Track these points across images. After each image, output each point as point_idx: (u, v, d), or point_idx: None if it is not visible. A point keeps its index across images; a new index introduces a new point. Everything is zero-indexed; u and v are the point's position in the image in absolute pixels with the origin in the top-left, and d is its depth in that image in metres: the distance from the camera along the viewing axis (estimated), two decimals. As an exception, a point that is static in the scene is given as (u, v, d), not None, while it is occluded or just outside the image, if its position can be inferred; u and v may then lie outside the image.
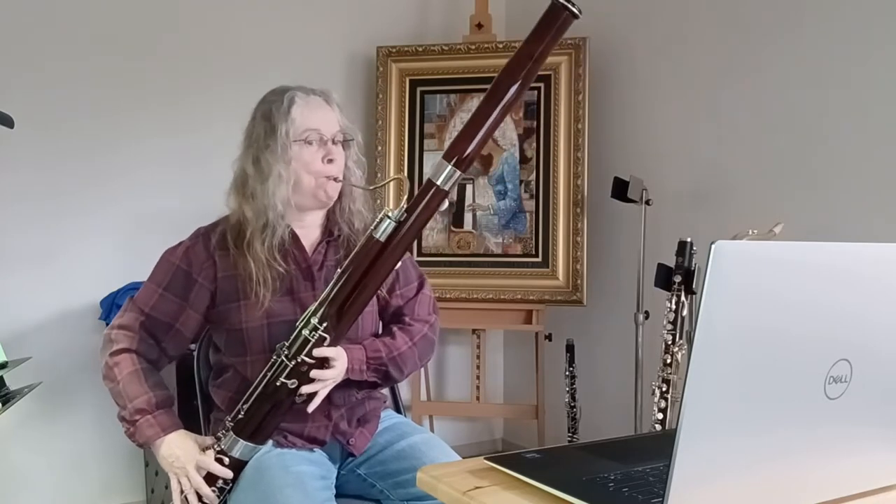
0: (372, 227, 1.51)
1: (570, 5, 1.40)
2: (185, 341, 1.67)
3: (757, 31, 2.62)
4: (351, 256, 1.53)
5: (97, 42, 2.77)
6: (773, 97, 2.58)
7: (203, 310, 1.63)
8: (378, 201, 3.08)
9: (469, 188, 3.12)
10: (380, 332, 1.76)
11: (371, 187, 1.74)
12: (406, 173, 3.12)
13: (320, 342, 1.51)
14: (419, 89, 3.17)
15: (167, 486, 2.63)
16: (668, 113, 2.94)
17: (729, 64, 2.71)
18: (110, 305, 2.70)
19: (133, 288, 2.65)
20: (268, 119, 1.60)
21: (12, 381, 1.94)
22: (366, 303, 1.56)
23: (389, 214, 1.50)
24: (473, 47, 3.12)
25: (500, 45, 3.11)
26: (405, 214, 1.50)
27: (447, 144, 3.11)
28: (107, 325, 2.69)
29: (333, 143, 1.63)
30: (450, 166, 1.47)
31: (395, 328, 1.72)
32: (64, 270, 2.75)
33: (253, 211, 1.59)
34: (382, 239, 1.50)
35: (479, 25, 3.19)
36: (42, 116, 2.67)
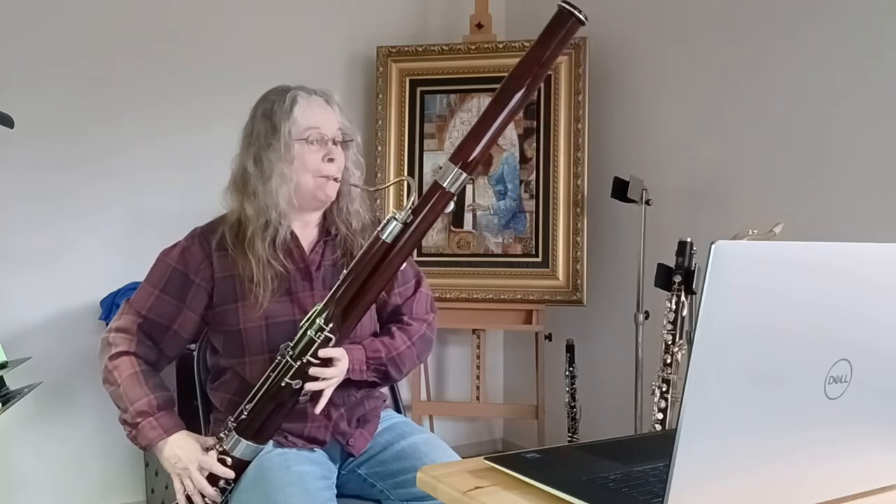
0: (378, 229, 1.52)
1: (576, 11, 1.42)
2: (183, 342, 1.67)
3: (757, 32, 2.62)
4: (357, 258, 1.54)
5: (97, 43, 2.77)
6: (773, 97, 2.58)
7: (201, 310, 1.63)
8: (378, 201, 3.08)
9: (469, 188, 3.12)
10: (378, 331, 1.76)
11: (373, 188, 1.75)
12: (406, 173, 3.11)
13: (326, 343, 1.51)
14: (419, 89, 3.17)
15: (167, 487, 2.62)
16: (668, 113, 2.94)
17: (729, 64, 2.71)
18: (110, 305, 2.70)
19: (133, 288, 2.64)
20: (269, 117, 1.60)
21: (12, 381, 1.94)
22: (371, 303, 1.57)
23: (396, 216, 1.51)
24: (473, 47, 3.12)
25: (500, 45, 3.11)
26: (411, 216, 1.50)
27: (447, 144, 3.10)
28: (107, 325, 2.69)
29: (333, 143, 1.63)
30: (456, 168, 1.49)
31: (393, 328, 1.72)
32: (64, 270, 2.75)
33: (254, 209, 1.59)
34: (389, 240, 1.50)
35: (479, 25, 3.19)
36: (42, 117, 2.67)
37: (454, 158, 1.49)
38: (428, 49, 3.16)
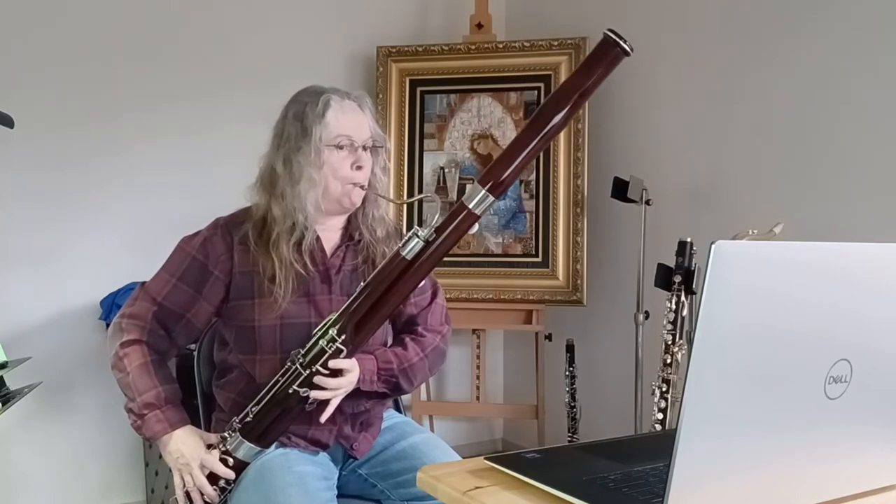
0: (400, 245, 1.50)
1: (622, 42, 1.38)
2: (195, 332, 1.67)
3: (757, 32, 2.62)
4: (375, 271, 1.52)
5: (98, 43, 2.77)
6: (773, 97, 2.58)
7: (216, 302, 1.62)
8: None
9: (469, 188, 3.12)
10: (389, 340, 1.74)
11: (398, 201, 1.73)
12: (406, 173, 3.12)
13: (337, 354, 1.50)
14: (419, 89, 3.17)
15: (167, 486, 2.62)
16: (668, 113, 2.94)
17: (729, 64, 2.71)
18: (110, 305, 2.70)
19: (132, 288, 2.65)
20: (300, 120, 1.59)
21: (12, 381, 1.93)
22: (385, 318, 1.56)
23: (419, 233, 1.48)
24: (473, 47, 3.12)
25: (500, 45, 3.11)
26: (434, 234, 1.48)
27: (447, 145, 3.10)
28: (107, 325, 2.69)
29: (363, 149, 1.62)
30: (484, 191, 1.45)
31: (407, 339, 1.71)
32: (64, 270, 2.75)
33: (281, 211, 1.58)
34: (409, 257, 1.48)
35: (479, 25, 3.19)
36: (42, 117, 2.66)
37: (483, 180, 1.46)
38: (428, 49, 3.16)
